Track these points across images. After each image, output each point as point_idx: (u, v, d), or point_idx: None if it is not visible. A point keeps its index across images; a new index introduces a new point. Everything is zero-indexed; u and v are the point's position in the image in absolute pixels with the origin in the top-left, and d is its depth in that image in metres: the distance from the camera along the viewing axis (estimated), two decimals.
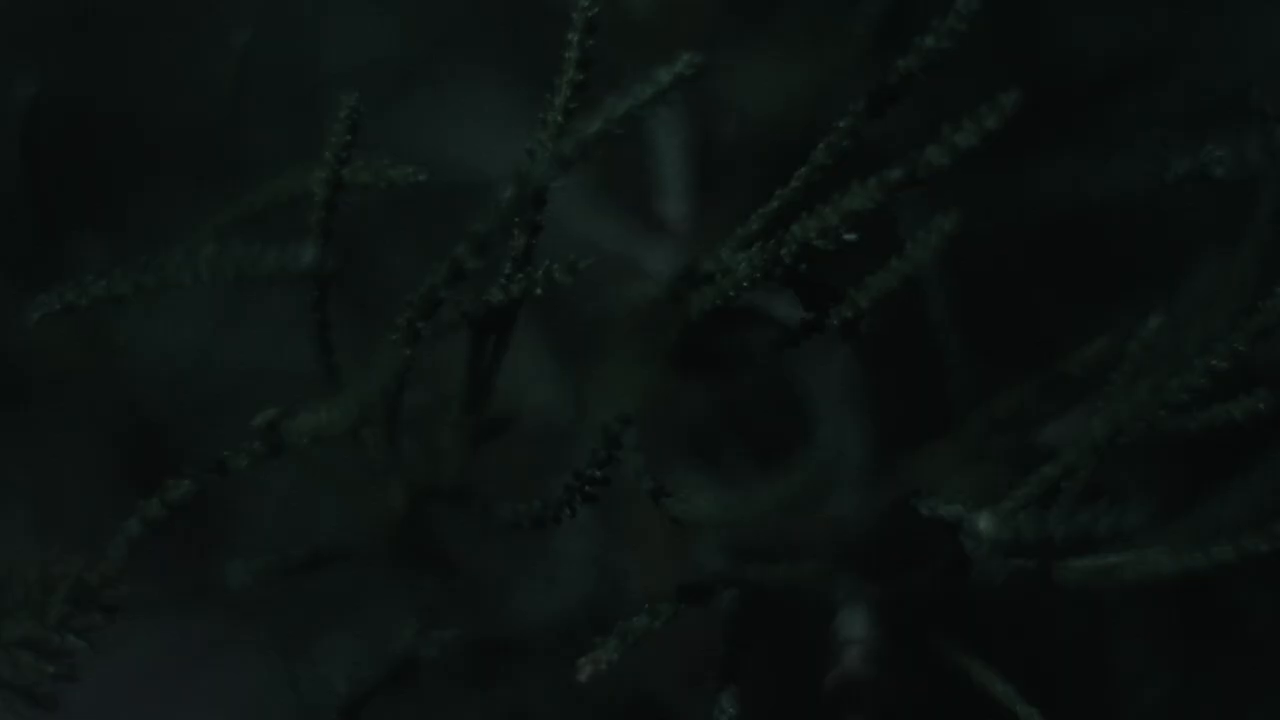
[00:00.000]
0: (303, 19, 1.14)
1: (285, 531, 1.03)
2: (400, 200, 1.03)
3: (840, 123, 0.73)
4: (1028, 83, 0.71)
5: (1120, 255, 1.05)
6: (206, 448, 0.78)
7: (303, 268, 0.72)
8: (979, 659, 0.81)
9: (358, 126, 0.73)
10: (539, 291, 0.74)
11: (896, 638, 0.87)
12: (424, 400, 0.81)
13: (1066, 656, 1.02)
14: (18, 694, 0.75)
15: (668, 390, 0.91)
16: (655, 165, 1.01)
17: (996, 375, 0.86)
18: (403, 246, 1.04)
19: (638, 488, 0.79)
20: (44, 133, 0.91)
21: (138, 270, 0.73)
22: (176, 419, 1.05)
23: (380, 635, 0.95)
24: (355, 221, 0.89)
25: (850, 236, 0.73)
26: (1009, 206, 1.03)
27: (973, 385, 0.87)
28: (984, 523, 0.74)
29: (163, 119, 1.13)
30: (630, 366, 0.89)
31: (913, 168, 0.71)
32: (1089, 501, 0.74)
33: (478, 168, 1.03)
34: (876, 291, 0.74)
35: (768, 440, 0.97)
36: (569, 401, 0.98)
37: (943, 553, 0.80)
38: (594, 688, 0.76)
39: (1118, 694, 1.02)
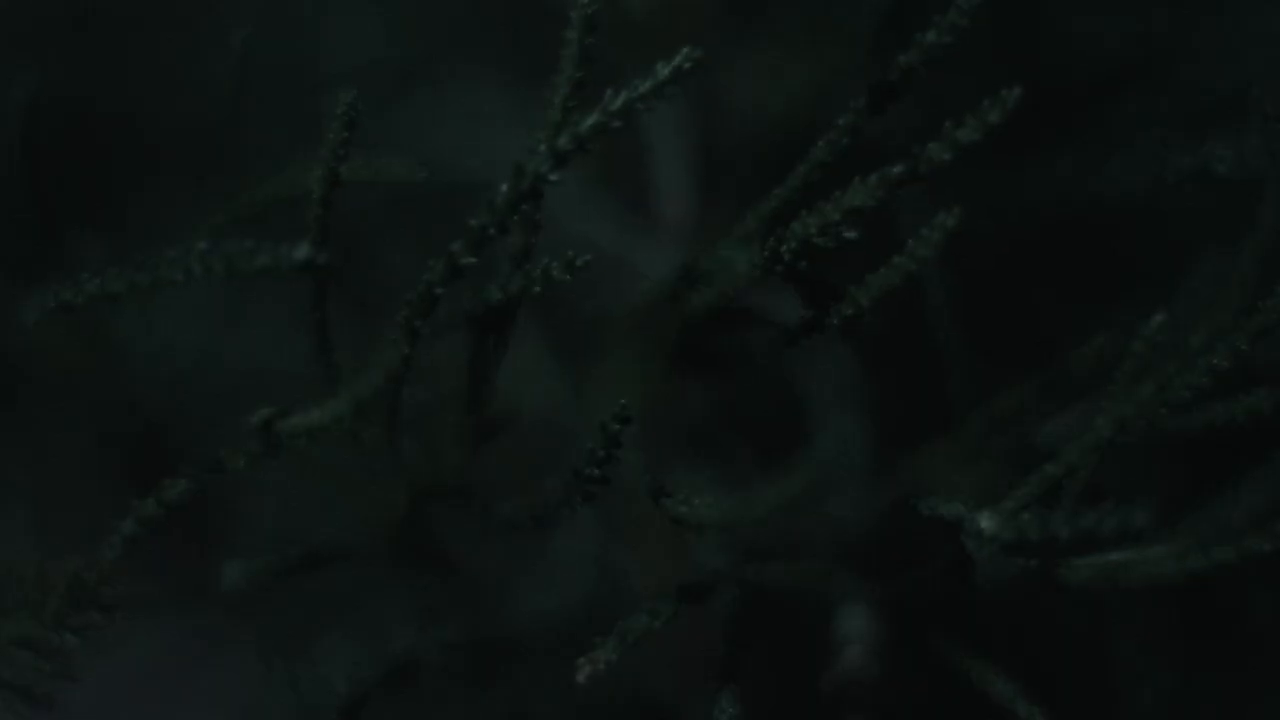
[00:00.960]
0: (303, 19, 1.14)
1: (285, 531, 1.03)
2: (400, 199, 1.03)
3: (841, 119, 0.73)
4: (1028, 83, 0.71)
5: (1120, 255, 1.05)
6: (206, 448, 0.78)
7: (296, 264, 0.72)
8: (979, 659, 0.81)
9: (355, 124, 0.73)
10: (537, 290, 0.74)
11: (896, 638, 0.87)
12: (424, 400, 0.81)
13: (1066, 656, 1.02)
14: (17, 694, 0.75)
15: (668, 390, 0.91)
16: (655, 165, 1.01)
17: (996, 375, 0.86)
18: (403, 246, 1.04)
19: (638, 488, 0.79)
20: (44, 133, 0.91)
21: (132, 268, 0.73)
22: (176, 419, 1.05)
23: (380, 635, 0.95)
24: (355, 221, 0.89)
25: (851, 234, 0.73)
26: (1009, 206, 1.02)
27: (973, 385, 0.87)
28: (985, 522, 0.74)
29: (163, 119, 1.13)
30: (630, 366, 0.89)
31: (914, 163, 0.71)
32: (1088, 501, 0.74)
33: (478, 168, 1.02)
34: (878, 289, 0.74)
35: (768, 440, 0.97)
36: (569, 401, 0.98)
37: (943, 553, 0.79)
38: (594, 688, 0.76)
39: (1118, 694, 1.02)
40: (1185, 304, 0.86)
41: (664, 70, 0.69)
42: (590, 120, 0.69)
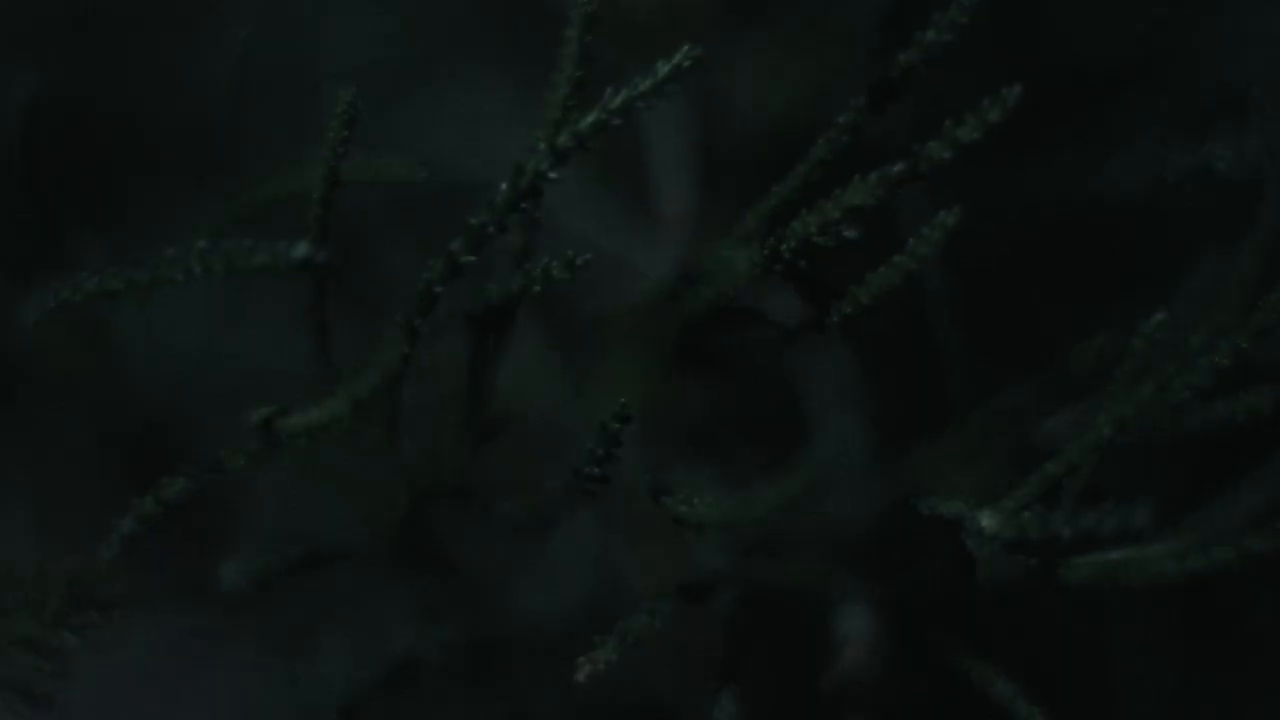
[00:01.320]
0: (303, 19, 1.14)
1: (285, 531, 1.03)
2: (400, 199, 1.03)
3: (841, 118, 0.73)
4: (1028, 82, 0.71)
5: (1120, 255, 1.05)
6: (207, 447, 0.78)
7: (294, 262, 0.72)
8: (979, 659, 0.81)
9: (355, 122, 0.73)
10: (537, 289, 0.74)
11: (896, 638, 0.87)
12: (424, 400, 0.81)
13: (1066, 656, 1.02)
14: (17, 694, 0.75)
15: (668, 390, 0.91)
16: (655, 164, 1.01)
17: (996, 375, 0.86)
18: (403, 246, 1.04)
19: (638, 487, 0.79)
20: (44, 133, 0.91)
21: (131, 267, 0.73)
22: (176, 419, 1.05)
23: (380, 635, 0.95)
24: (355, 221, 0.89)
25: (851, 233, 0.73)
26: (1009, 206, 1.02)
27: (973, 385, 0.87)
28: (986, 521, 0.74)
29: (163, 119, 1.13)
30: (630, 366, 0.89)
31: (914, 162, 0.71)
32: (1088, 501, 0.74)
33: (478, 168, 1.02)
34: (878, 288, 0.74)
35: (768, 440, 0.97)
36: (569, 401, 0.98)
37: (943, 552, 0.79)
38: (594, 688, 0.76)
39: (1118, 694, 1.01)
40: (1185, 304, 0.86)
41: (664, 68, 0.69)
42: (590, 118, 0.69)
